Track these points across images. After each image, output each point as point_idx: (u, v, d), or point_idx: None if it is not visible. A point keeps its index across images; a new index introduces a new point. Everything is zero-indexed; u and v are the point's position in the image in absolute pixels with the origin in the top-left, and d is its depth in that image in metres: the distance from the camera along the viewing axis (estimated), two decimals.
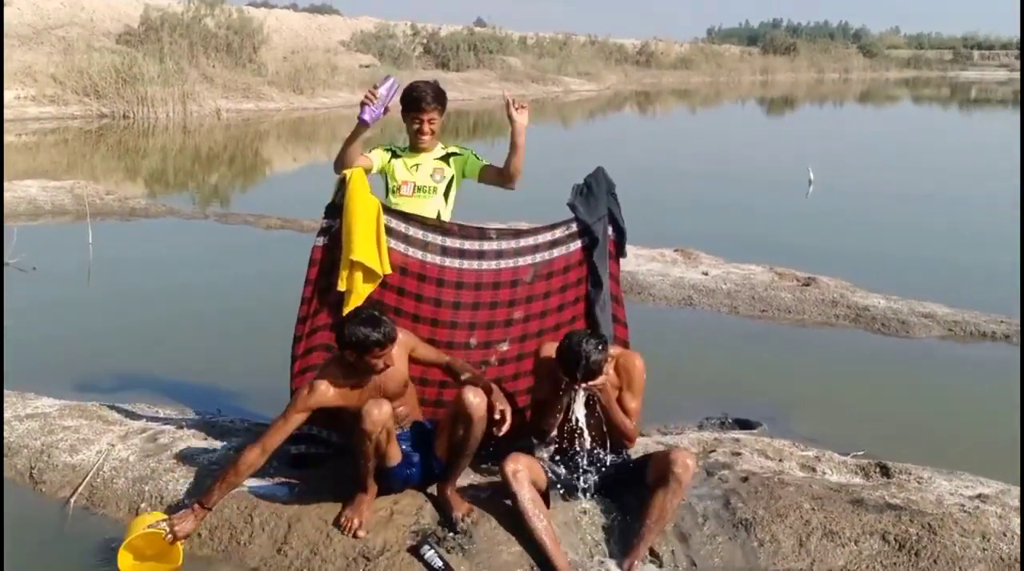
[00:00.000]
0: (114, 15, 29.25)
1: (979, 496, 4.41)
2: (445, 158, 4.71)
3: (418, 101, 4.61)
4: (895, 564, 4.06)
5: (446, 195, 4.72)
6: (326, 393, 4.01)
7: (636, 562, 4.06)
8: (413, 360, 4.26)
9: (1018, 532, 4.10)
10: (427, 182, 4.67)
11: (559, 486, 4.28)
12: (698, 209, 13.33)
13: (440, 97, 4.68)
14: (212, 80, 24.65)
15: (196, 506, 3.95)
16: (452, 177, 4.71)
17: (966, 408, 6.06)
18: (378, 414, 3.88)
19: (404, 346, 4.18)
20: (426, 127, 4.62)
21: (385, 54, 35.53)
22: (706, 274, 8.86)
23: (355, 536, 4.04)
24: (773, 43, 63.43)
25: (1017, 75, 55.40)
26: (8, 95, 20.81)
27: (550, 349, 4.23)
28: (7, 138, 18.79)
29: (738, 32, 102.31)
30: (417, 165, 4.69)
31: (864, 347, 7.26)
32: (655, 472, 4.17)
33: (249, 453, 3.95)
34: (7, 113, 19.92)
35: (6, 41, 22.68)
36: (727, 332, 7.62)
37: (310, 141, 21.94)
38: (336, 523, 4.08)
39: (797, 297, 8.18)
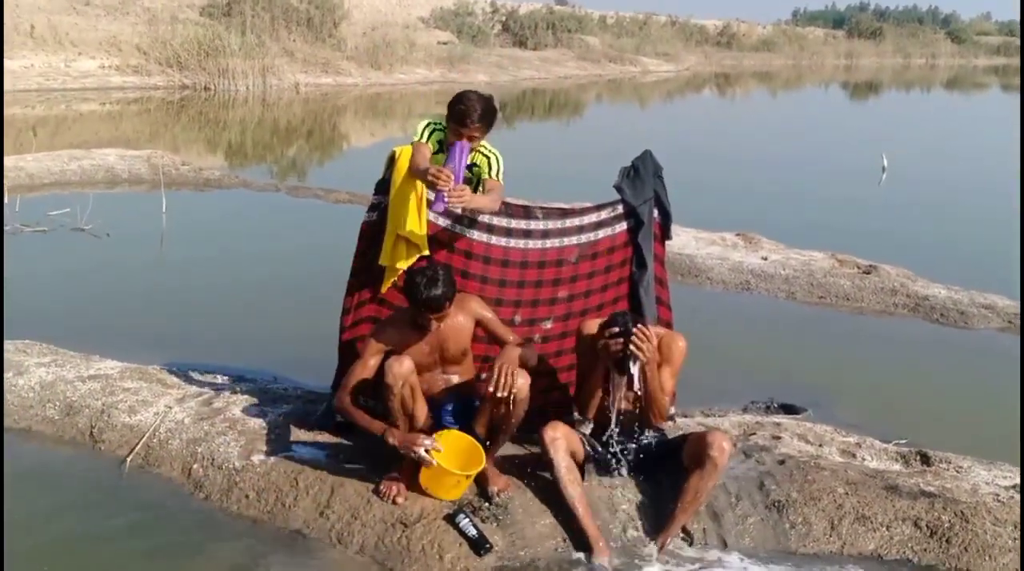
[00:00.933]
0: None
1: (1015, 486, 4.39)
2: (469, 168, 4.69)
3: (463, 116, 4.35)
4: (925, 550, 4.08)
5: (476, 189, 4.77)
6: (391, 337, 4.19)
7: (668, 540, 4.14)
8: (481, 328, 4.34)
9: None
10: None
11: (596, 460, 4.37)
12: (765, 194, 13.20)
13: (488, 115, 4.41)
14: (292, 54, 25.02)
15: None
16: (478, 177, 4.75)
17: (1017, 401, 5.97)
18: (399, 368, 4.01)
19: (470, 313, 4.29)
20: (466, 142, 4.43)
21: (464, 31, 35.61)
22: (765, 259, 8.82)
23: (394, 503, 4.17)
24: (859, 26, 61.99)
25: None
26: (92, 64, 21.41)
27: (592, 326, 4.31)
28: (91, 106, 19.36)
29: (824, 15, 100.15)
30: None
31: (920, 336, 7.19)
32: (691, 453, 4.23)
33: (340, 401, 4.20)
34: (92, 81, 20.49)
35: (92, 11, 23.32)
36: (782, 317, 7.60)
37: (387, 117, 22.18)
38: (376, 490, 4.22)
39: (856, 285, 8.10)
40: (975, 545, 4.04)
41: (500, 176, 4.62)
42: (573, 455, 4.22)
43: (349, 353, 4.64)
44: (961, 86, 42.15)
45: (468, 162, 4.42)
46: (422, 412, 4.24)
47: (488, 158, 4.63)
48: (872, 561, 4.07)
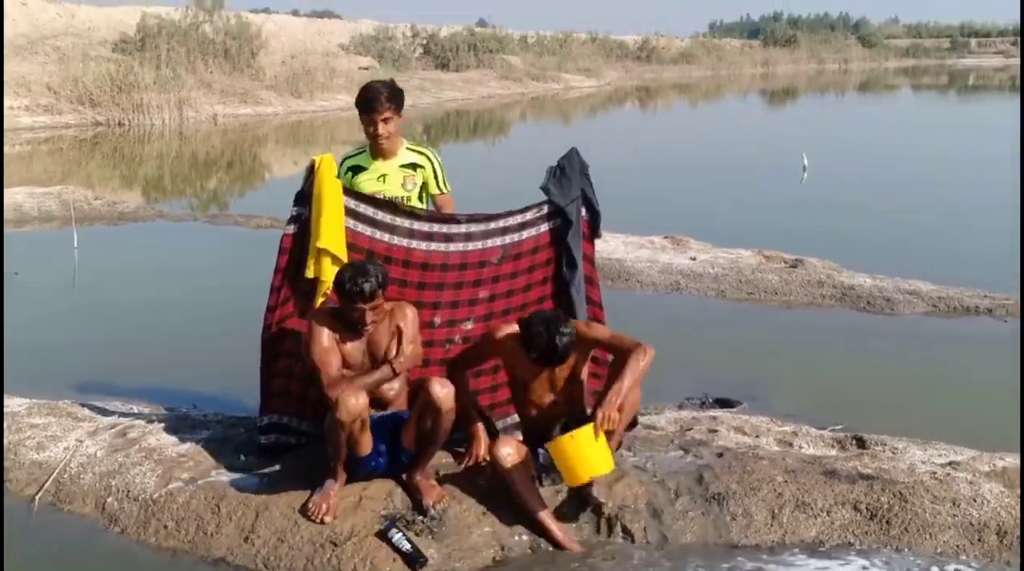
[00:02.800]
0: (110, 23, 29.30)
1: (951, 463, 4.38)
2: (411, 166, 4.66)
3: (371, 102, 4.45)
4: (866, 533, 4.03)
5: (420, 201, 4.70)
6: (322, 333, 4.06)
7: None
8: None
9: (988, 498, 4.06)
10: (399, 192, 4.63)
11: (542, 466, 4.28)
12: (691, 198, 13.29)
13: (395, 96, 4.53)
14: (209, 86, 24.61)
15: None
16: (423, 183, 4.69)
17: (947, 380, 6.05)
18: (354, 404, 3.88)
19: (406, 322, 4.18)
20: (381, 129, 4.48)
21: (385, 56, 35.50)
22: (694, 259, 8.82)
23: (322, 522, 4.02)
24: (774, 35, 63.23)
25: (1012, 62, 55.23)
26: None
27: (508, 329, 4.23)
28: None
29: (739, 26, 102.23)
30: (384, 175, 4.63)
31: (849, 325, 7.23)
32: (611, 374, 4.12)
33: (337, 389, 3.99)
34: None
35: None
36: (713, 315, 7.59)
37: (309, 144, 21.92)
38: (303, 510, 4.06)
39: (784, 279, 8.14)
40: (915, 524, 4.01)
41: (446, 184, 4.71)
42: (525, 465, 4.14)
43: (272, 371, 4.48)
44: (874, 88, 43.20)
45: (409, 162, 4.55)
46: (367, 442, 4.09)
47: (432, 163, 4.65)
48: (814, 547, 4.00)
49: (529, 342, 4.03)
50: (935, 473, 4.25)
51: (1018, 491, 4.13)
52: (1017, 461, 4.37)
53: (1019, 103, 24.56)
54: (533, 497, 4.10)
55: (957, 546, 3.94)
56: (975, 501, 4.05)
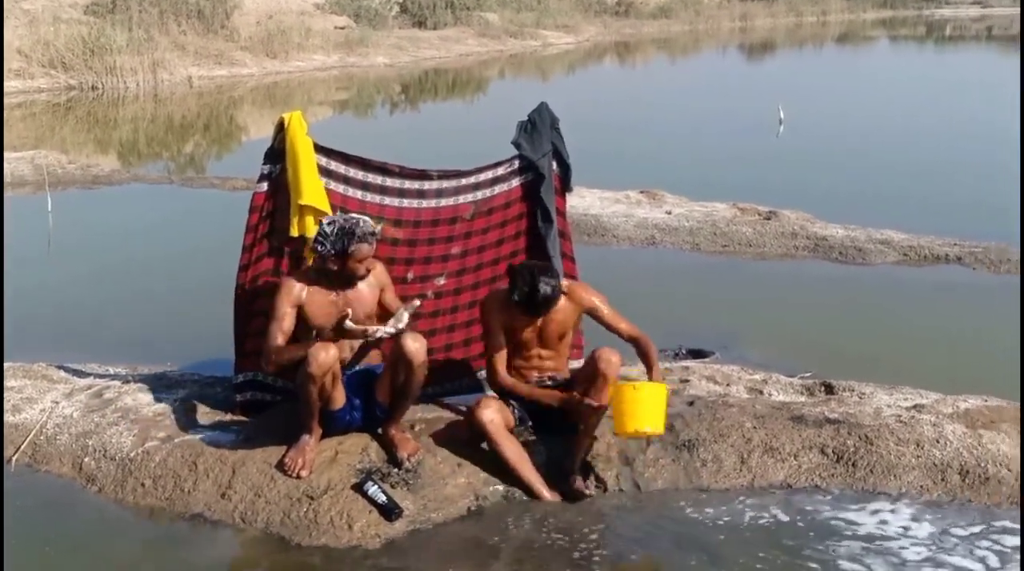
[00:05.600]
0: None
1: (915, 407, 4.46)
2: None
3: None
4: (832, 476, 4.12)
5: None
6: (300, 293, 4.07)
7: (577, 459, 4.15)
8: (380, 303, 4.28)
9: (951, 439, 4.15)
10: None
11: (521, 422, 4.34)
12: (667, 153, 13.27)
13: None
14: (183, 48, 24.28)
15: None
16: None
17: (915, 327, 6.13)
18: (324, 357, 3.90)
19: (377, 279, 4.24)
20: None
21: (361, 15, 35.05)
22: (669, 213, 8.85)
23: (298, 477, 4.07)
24: None
25: (989, 11, 55.07)
26: None
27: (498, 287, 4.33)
28: None
29: None
30: None
31: (821, 275, 7.31)
32: (583, 377, 4.18)
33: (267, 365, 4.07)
34: None
35: None
36: (688, 268, 7.64)
37: (285, 105, 21.72)
38: (280, 466, 4.10)
39: (758, 231, 8.19)
40: (880, 466, 4.10)
41: None
42: (507, 425, 4.22)
43: (246, 330, 4.51)
44: (852, 40, 43.02)
45: None
46: (340, 396, 4.14)
47: None
48: (782, 491, 4.08)
49: (513, 288, 4.08)
50: (900, 416, 4.34)
51: (980, 432, 4.22)
52: (980, 402, 4.46)
53: (994, 54, 24.58)
54: (515, 455, 4.15)
55: (921, 486, 4.03)
56: (938, 442, 4.14)
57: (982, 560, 3.60)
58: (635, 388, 3.98)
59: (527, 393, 4.26)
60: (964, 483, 4.03)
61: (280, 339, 4.04)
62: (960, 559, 3.61)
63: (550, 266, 4.30)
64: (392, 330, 4.03)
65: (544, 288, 4.02)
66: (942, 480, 4.05)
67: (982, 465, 4.07)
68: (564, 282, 4.31)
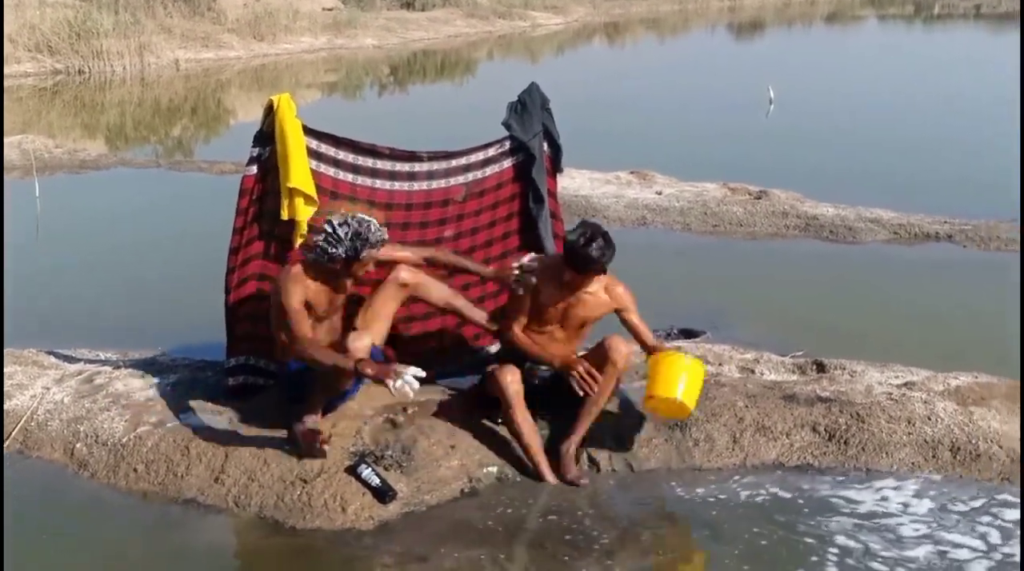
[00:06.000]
0: None
1: (906, 384, 4.48)
2: None
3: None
4: (824, 453, 4.14)
5: None
6: (305, 293, 3.97)
7: (574, 445, 4.15)
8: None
9: (942, 416, 4.17)
10: None
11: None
12: (658, 133, 13.25)
13: None
14: (170, 30, 24.10)
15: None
16: None
17: (906, 305, 6.15)
18: (361, 348, 3.90)
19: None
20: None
21: None
22: (660, 194, 8.85)
23: (322, 452, 4.04)
24: None
25: None
26: None
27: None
28: None
29: None
30: None
31: (812, 254, 7.34)
32: (592, 362, 4.15)
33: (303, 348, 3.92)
34: None
35: None
36: (679, 248, 7.64)
37: (273, 88, 21.59)
38: (293, 445, 4.08)
39: (748, 210, 8.20)
40: (872, 444, 4.12)
41: None
42: (522, 393, 4.17)
43: (237, 314, 4.49)
44: (840, 19, 42.95)
45: None
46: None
47: None
48: (775, 469, 4.10)
49: (569, 241, 4.02)
50: (891, 394, 4.35)
51: (971, 409, 4.24)
52: (970, 379, 4.48)
53: (983, 32, 24.60)
54: (528, 428, 4.14)
55: (912, 463, 4.06)
56: (929, 419, 4.16)
57: (982, 536, 3.63)
58: (688, 359, 4.02)
59: (534, 348, 4.19)
60: (955, 460, 4.05)
61: (308, 331, 3.94)
62: (959, 536, 3.63)
63: (612, 241, 4.13)
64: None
65: (595, 250, 3.95)
66: (933, 457, 4.07)
67: (973, 442, 4.09)
68: (607, 277, 4.23)
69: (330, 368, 3.88)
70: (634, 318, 4.26)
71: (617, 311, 4.25)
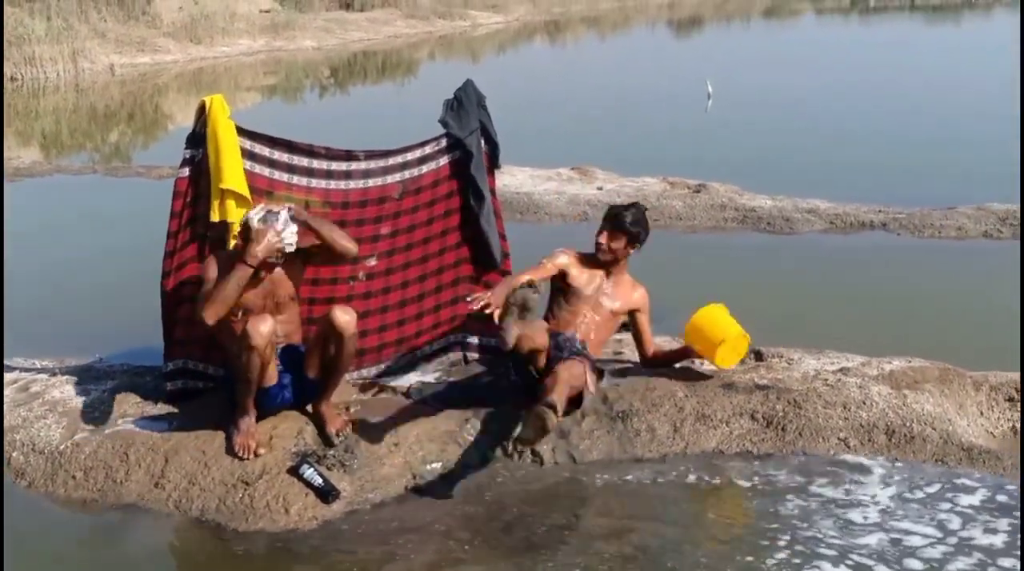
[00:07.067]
0: None
1: (842, 370, 4.56)
2: None
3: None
4: (763, 440, 4.20)
5: None
6: (220, 267, 3.99)
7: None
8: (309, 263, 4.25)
9: (876, 400, 4.25)
10: None
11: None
12: (598, 129, 13.34)
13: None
14: (104, 35, 23.73)
15: None
16: None
17: (842, 293, 6.27)
18: (264, 327, 3.88)
19: (296, 257, 4.16)
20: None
21: None
22: (601, 189, 8.92)
23: (256, 455, 4.04)
24: None
25: None
26: None
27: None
28: None
29: None
30: None
31: (750, 245, 7.44)
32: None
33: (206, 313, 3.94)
34: None
35: None
36: None
37: (212, 92, 21.26)
38: (227, 451, 4.06)
39: (688, 204, 8.29)
40: (808, 429, 4.19)
41: None
42: (536, 348, 4.15)
43: (173, 318, 4.44)
44: (778, 14, 43.55)
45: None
46: (274, 372, 4.12)
47: None
48: (715, 457, 4.15)
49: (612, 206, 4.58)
50: (827, 380, 4.43)
51: (904, 392, 4.34)
52: (904, 364, 4.58)
53: (917, 23, 25.05)
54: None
55: (849, 446, 4.13)
56: (864, 404, 4.24)
57: (935, 521, 3.67)
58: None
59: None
60: (891, 442, 4.13)
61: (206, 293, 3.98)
62: (911, 522, 3.68)
63: (648, 222, 4.65)
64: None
65: (630, 213, 4.51)
66: (869, 440, 4.15)
67: (907, 424, 4.18)
68: (632, 278, 4.66)
69: (236, 291, 3.92)
70: (644, 321, 4.63)
71: (632, 311, 4.59)
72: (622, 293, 4.58)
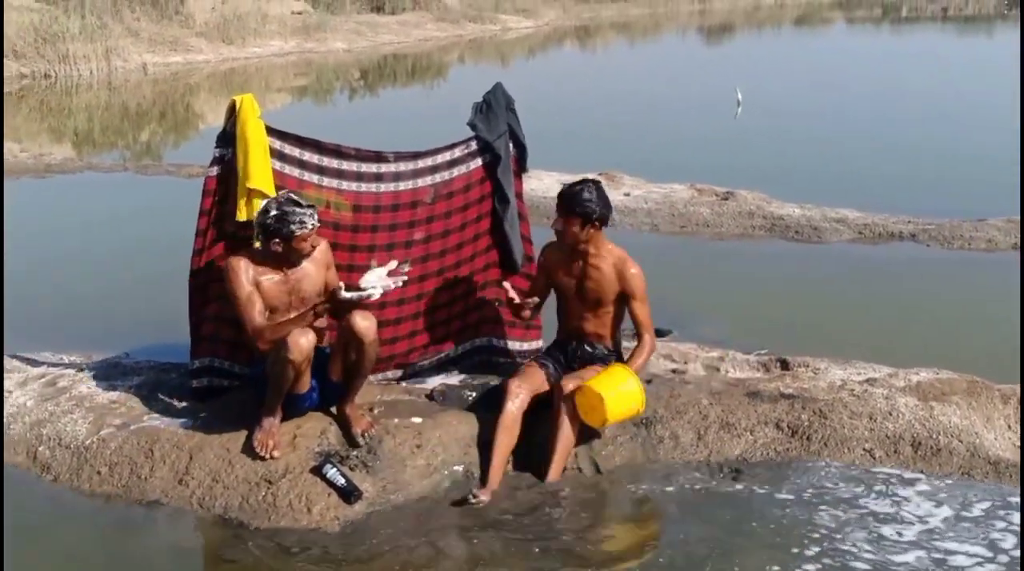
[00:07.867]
0: None
1: (868, 380, 4.52)
2: None
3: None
4: (788, 449, 4.17)
5: None
6: (249, 272, 4.02)
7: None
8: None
9: (903, 411, 4.22)
10: None
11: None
12: (626, 135, 13.32)
13: None
14: (137, 34, 23.95)
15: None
16: None
17: (870, 303, 6.22)
18: (305, 342, 3.90)
19: (324, 258, 4.21)
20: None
21: (319, 0, 34.81)
22: (628, 195, 8.89)
23: (271, 457, 4.05)
24: None
25: None
26: None
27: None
28: None
29: None
30: None
31: (778, 254, 7.39)
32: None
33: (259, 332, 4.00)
34: None
35: None
36: (646, 248, 7.58)
37: (243, 91, 21.41)
38: (248, 449, 4.08)
39: (715, 211, 8.25)
40: (834, 439, 4.15)
41: None
42: (536, 393, 4.22)
43: (201, 315, 4.47)
44: (809, 22, 43.35)
45: None
46: (308, 379, 4.12)
47: None
48: (738, 465, 4.13)
49: (564, 187, 4.29)
50: (853, 390, 4.40)
51: (931, 404, 4.29)
52: (931, 375, 4.54)
53: (950, 35, 24.86)
54: (504, 435, 4.14)
55: (874, 457, 4.09)
56: (891, 415, 4.21)
57: (984, 538, 3.64)
58: (636, 385, 4.07)
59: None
60: (916, 454, 4.10)
61: (260, 319, 4.00)
62: (953, 539, 3.63)
63: (607, 197, 4.34)
64: (391, 285, 4.06)
65: (576, 193, 4.18)
66: (895, 452, 4.11)
67: (934, 437, 4.14)
68: (619, 252, 4.35)
69: (301, 327, 3.94)
70: (636, 307, 4.28)
71: (624, 291, 4.27)
72: (600, 276, 4.27)
